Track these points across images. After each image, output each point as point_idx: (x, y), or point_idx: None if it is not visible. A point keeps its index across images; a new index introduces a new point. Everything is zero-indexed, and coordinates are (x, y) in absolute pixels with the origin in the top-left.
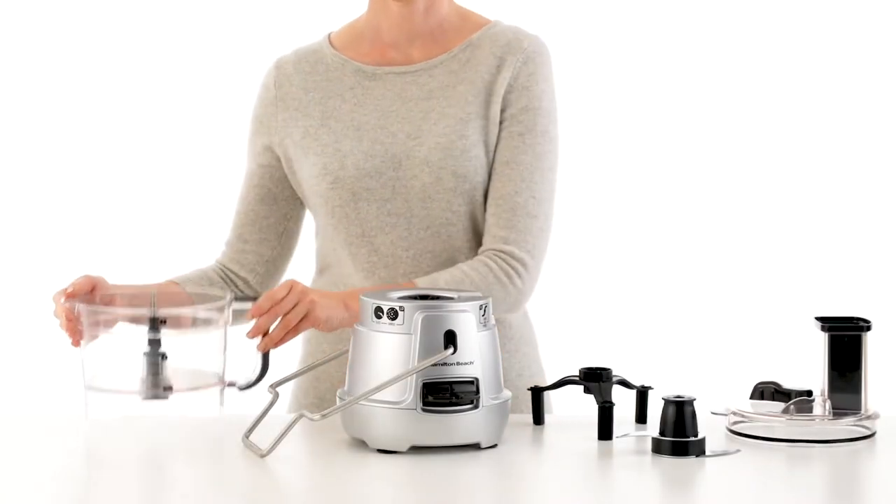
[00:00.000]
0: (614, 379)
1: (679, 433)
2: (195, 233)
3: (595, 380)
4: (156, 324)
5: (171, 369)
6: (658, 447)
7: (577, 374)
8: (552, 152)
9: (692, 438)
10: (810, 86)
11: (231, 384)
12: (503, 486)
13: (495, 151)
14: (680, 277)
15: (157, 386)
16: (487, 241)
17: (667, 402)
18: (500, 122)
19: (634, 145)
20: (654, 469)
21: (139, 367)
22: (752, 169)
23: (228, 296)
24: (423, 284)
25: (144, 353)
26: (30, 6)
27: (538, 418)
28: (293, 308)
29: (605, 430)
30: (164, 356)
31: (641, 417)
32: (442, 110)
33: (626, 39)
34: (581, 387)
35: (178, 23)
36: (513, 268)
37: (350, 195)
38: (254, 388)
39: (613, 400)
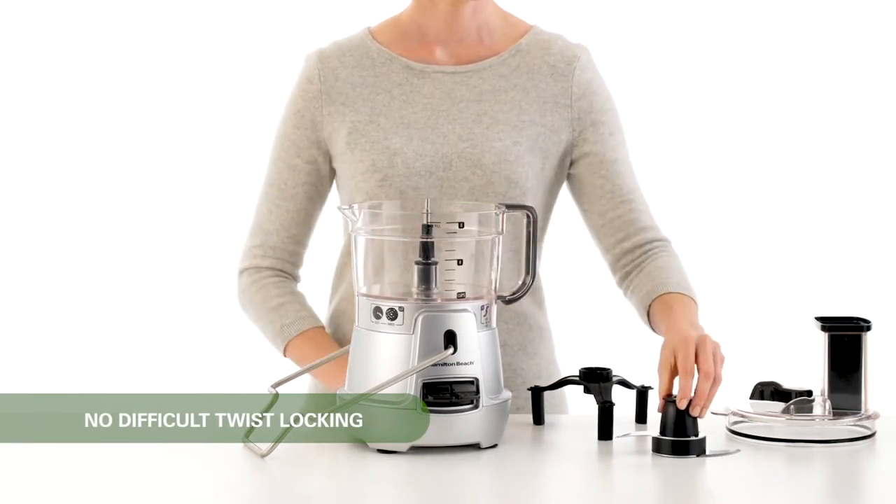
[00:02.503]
0: (614, 379)
1: (679, 433)
2: (195, 233)
3: (595, 380)
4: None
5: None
6: (658, 447)
7: (577, 374)
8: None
9: (692, 438)
10: (810, 86)
11: None
12: (503, 486)
13: (590, 154)
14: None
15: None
16: (647, 234)
17: (667, 401)
18: (582, 130)
19: (634, 146)
20: (654, 469)
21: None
22: (753, 169)
23: None
24: (691, 293)
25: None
26: (30, 6)
27: (538, 418)
28: (714, 359)
29: (605, 430)
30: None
31: (641, 417)
32: (494, 115)
33: (625, 39)
34: (581, 387)
35: (180, 23)
36: (669, 243)
37: (398, 194)
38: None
39: (613, 400)
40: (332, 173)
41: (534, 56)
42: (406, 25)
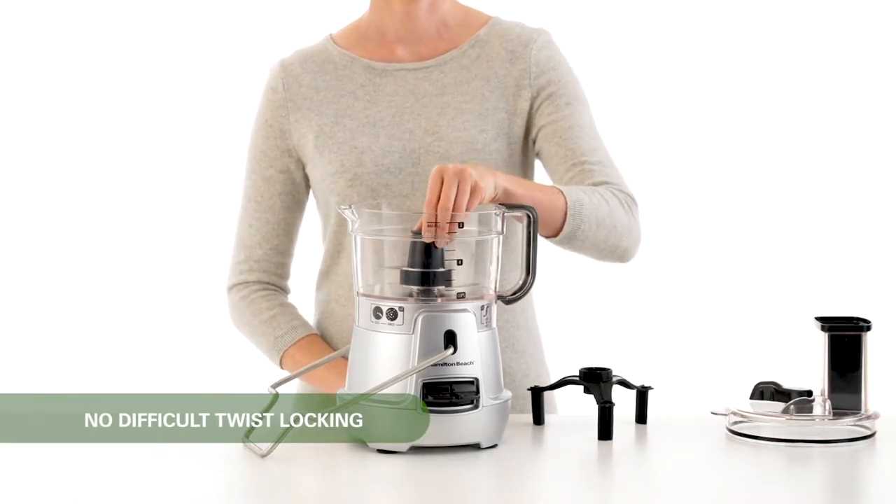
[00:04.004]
0: (614, 379)
1: (426, 265)
2: (195, 234)
3: (595, 380)
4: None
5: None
6: (406, 278)
7: (577, 374)
8: (593, 117)
9: (439, 270)
10: (810, 86)
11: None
12: (503, 486)
13: (546, 125)
14: (680, 277)
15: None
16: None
17: (414, 234)
18: (540, 104)
19: (634, 145)
20: (654, 469)
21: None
22: (753, 169)
23: None
24: (567, 193)
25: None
26: (30, 6)
27: (538, 418)
28: (458, 191)
29: (605, 430)
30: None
31: (641, 417)
32: (458, 106)
33: (623, 38)
34: (581, 387)
35: (177, 25)
36: (632, 199)
37: (369, 192)
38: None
39: (613, 400)
40: (307, 180)
41: (493, 45)
42: (365, 28)
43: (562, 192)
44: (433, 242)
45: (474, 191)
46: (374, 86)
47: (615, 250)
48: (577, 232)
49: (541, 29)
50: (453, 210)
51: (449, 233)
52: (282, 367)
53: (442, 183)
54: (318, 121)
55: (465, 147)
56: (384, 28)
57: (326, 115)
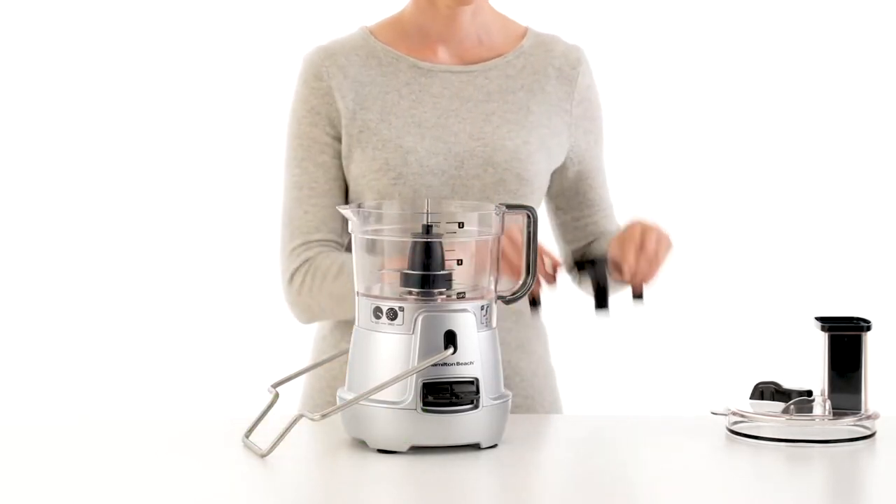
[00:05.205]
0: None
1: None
2: (196, 234)
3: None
4: None
5: None
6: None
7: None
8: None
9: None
10: (810, 86)
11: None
12: (503, 486)
13: (575, 157)
14: (680, 277)
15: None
16: (609, 236)
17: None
18: (574, 133)
19: (635, 145)
20: (654, 469)
21: None
22: (753, 169)
23: None
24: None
25: None
26: (30, 6)
27: (603, 301)
28: (657, 244)
29: (602, 299)
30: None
31: (601, 302)
32: (503, 114)
33: (623, 39)
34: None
35: (179, 23)
36: None
37: (411, 192)
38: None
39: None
40: None
41: (537, 58)
42: (407, 25)
43: None
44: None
45: (669, 247)
46: (420, 85)
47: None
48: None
49: (580, 48)
50: (653, 261)
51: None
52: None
53: (643, 234)
54: (362, 115)
55: (509, 155)
56: (427, 28)
57: (372, 111)
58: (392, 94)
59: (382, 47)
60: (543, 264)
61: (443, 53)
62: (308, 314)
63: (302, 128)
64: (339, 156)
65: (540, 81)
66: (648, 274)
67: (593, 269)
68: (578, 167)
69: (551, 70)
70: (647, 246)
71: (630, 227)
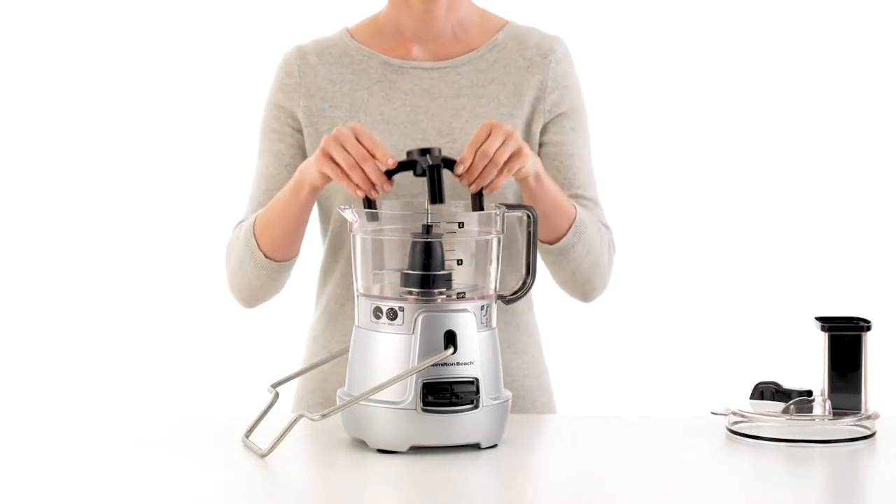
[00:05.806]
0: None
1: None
2: (196, 234)
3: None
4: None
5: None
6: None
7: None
8: (591, 148)
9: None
10: (810, 86)
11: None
12: (503, 486)
13: (548, 144)
14: (680, 277)
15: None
16: None
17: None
18: (548, 122)
19: (635, 145)
20: (654, 469)
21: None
22: (753, 169)
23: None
24: (578, 209)
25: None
26: (30, 6)
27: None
28: (501, 145)
29: (435, 191)
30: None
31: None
32: (473, 109)
33: (624, 39)
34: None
35: (177, 22)
36: (615, 247)
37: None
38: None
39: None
40: None
41: (510, 50)
42: (383, 24)
43: (575, 207)
44: (437, 239)
45: (517, 153)
46: (390, 82)
47: (586, 284)
48: (572, 249)
49: (557, 37)
50: (491, 160)
51: (486, 188)
52: (261, 250)
53: (489, 135)
54: (331, 113)
55: None
56: (401, 26)
57: (341, 109)
58: (362, 91)
59: (357, 46)
60: (374, 164)
61: (417, 50)
62: (234, 288)
63: (267, 121)
64: (297, 146)
65: (510, 73)
66: (485, 175)
67: (425, 158)
68: (548, 149)
69: (522, 61)
70: (487, 144)
71: (480, 128)
